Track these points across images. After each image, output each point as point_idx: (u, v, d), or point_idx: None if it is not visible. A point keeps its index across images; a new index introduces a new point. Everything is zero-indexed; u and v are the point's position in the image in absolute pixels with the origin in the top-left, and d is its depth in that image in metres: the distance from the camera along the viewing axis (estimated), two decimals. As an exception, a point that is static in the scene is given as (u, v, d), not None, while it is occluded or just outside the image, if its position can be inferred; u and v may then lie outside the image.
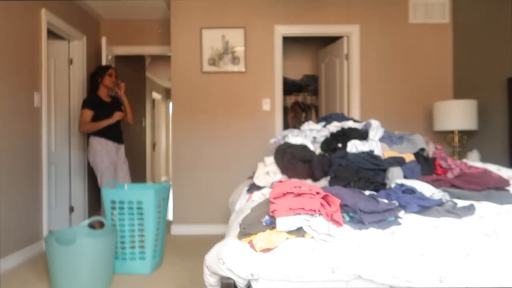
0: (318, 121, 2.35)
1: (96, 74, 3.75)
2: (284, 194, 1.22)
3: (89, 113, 3.59)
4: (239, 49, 4.05)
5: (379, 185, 1.57)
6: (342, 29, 4.08)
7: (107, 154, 3.63)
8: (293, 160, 1.76)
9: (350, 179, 1.57)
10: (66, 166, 4.24)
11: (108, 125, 3.64)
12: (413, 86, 4.08)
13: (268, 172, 1.81)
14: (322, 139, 2.06)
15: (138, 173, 6.68)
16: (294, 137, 2.07)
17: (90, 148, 3.65)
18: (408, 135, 2.05)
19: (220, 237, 1.74)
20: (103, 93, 3.75)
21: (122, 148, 3.85)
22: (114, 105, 3.79)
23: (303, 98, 5.37)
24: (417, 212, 1.26)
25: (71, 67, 4.24)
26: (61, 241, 2.42)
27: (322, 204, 1.13)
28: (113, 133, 3.71)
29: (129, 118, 3.89)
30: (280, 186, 1.27)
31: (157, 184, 3.19)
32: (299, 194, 1.19)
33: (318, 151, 1.95)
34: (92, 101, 3.66)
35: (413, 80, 4.09)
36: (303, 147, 1.84)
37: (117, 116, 3.66)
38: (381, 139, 2.07)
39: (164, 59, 6.46)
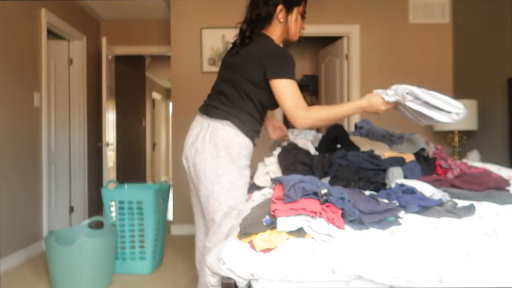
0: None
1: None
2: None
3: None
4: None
5: (379, 185, 1.57)
6: (342, 29, 4.08)
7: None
8: (294, 162, 1.77)
9: (350, 179, 1.57)
10: (66, 166, 4.24)
11: None
12: (413, 86, 4.08)
13: (268, 172, 1.81)
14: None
15: (138, 173, 6.69)
16: (295, 137, 2.07)
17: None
18: (409, 135, 2.06)
19: (220, 237, 1.74)
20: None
21: None
22: None
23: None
24: (417, 212, 1.26)
25: (71, 67, 4.24)
26: (61, 241, 2.43)
27: (323, 209, 1.14)
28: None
29: None
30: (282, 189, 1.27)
31: (157, 184, 3.19)
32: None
33: (318, 151, 1.96)
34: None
35: (413, 80, 4.05)
36: (307, 154, 1.84)
37: None
38: (381, 139, 2.08)
39: (164, 59, 6.45)
